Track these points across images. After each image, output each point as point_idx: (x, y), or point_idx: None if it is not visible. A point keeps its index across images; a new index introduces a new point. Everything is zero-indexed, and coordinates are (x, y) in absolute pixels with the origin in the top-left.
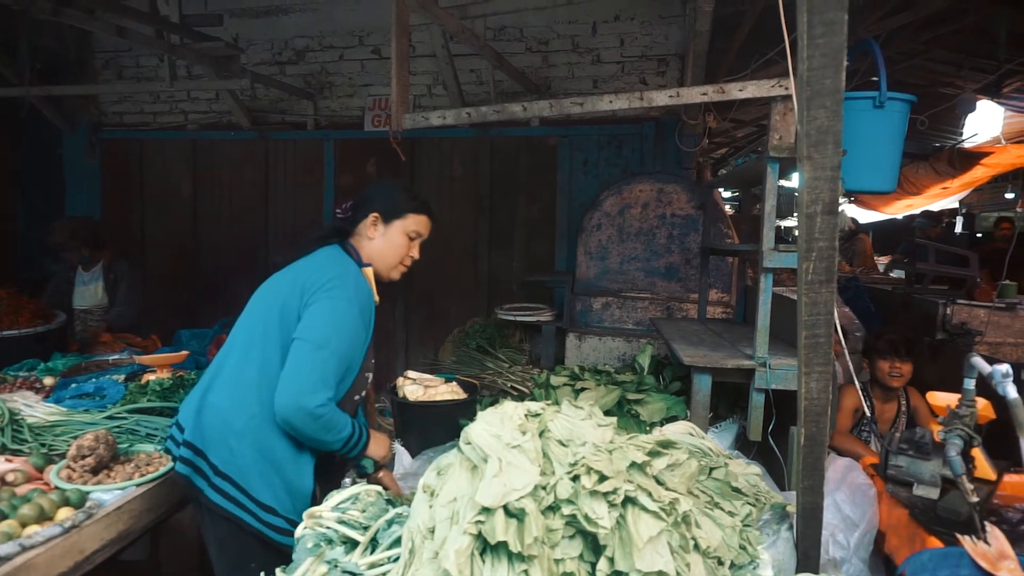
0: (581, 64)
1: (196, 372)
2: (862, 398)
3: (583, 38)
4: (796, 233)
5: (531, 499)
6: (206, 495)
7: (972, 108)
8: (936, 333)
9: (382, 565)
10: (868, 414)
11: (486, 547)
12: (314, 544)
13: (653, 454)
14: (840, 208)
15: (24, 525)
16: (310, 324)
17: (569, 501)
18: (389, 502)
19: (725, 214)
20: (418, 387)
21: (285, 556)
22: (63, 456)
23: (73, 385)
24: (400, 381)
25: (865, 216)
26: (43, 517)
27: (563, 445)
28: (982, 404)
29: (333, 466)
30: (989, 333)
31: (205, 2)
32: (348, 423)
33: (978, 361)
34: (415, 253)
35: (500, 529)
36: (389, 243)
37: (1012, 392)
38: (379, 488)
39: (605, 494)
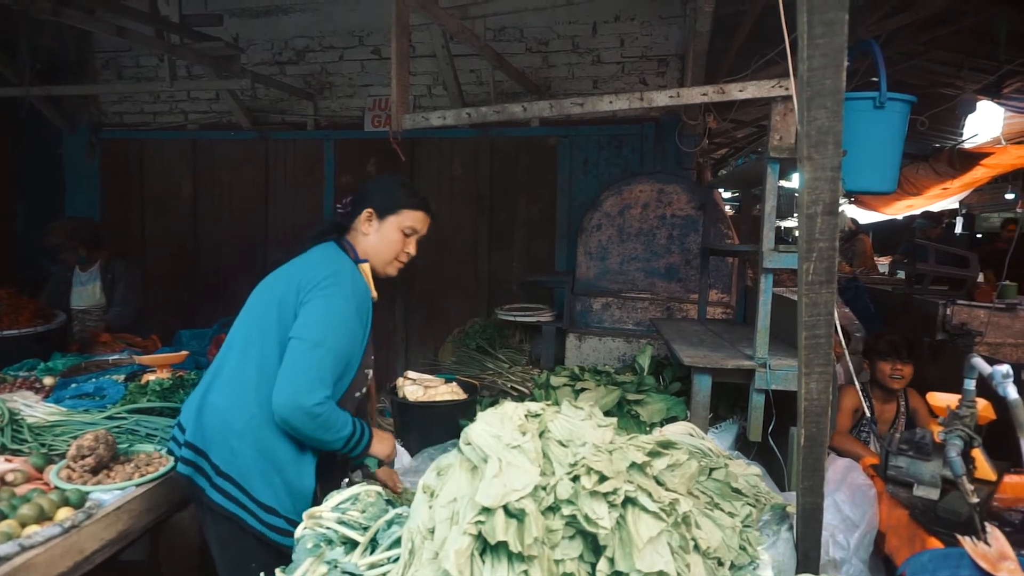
0: (581, 64)
1: (196, 372)
2: (862, 399)
3: (583, 38)
4: (796, 234)
5: (531, 499)
6: (207, 495)
7: (972, 109)
8: (936, 334)
9: (382, 565)
10: (868, 415)
11: (486, 547)
12: (314, 544)
13: (653, 455)
14: (840, 209)
15: (24, 525)
16: (306, 322)
17: (569, 501)
18: (389, 502)
19: (725, 214)
20: (418, 387)
21: (285, 557)
22: (63, 456)
23: (73, 385)
24: (400, 381)
25: (865, 217)
26: (43, 517)
27: (563, 445)
28: (982, 405)
29: (333, 466)
30: (989, 334)
31: (205, 2)
32: (348, 422)
33: (978, 362)
34: (411, 249)
35: (500, 529)
36: (383, 239)
37: (1012, 393)
38: (379, 488)
39: (605, 494)
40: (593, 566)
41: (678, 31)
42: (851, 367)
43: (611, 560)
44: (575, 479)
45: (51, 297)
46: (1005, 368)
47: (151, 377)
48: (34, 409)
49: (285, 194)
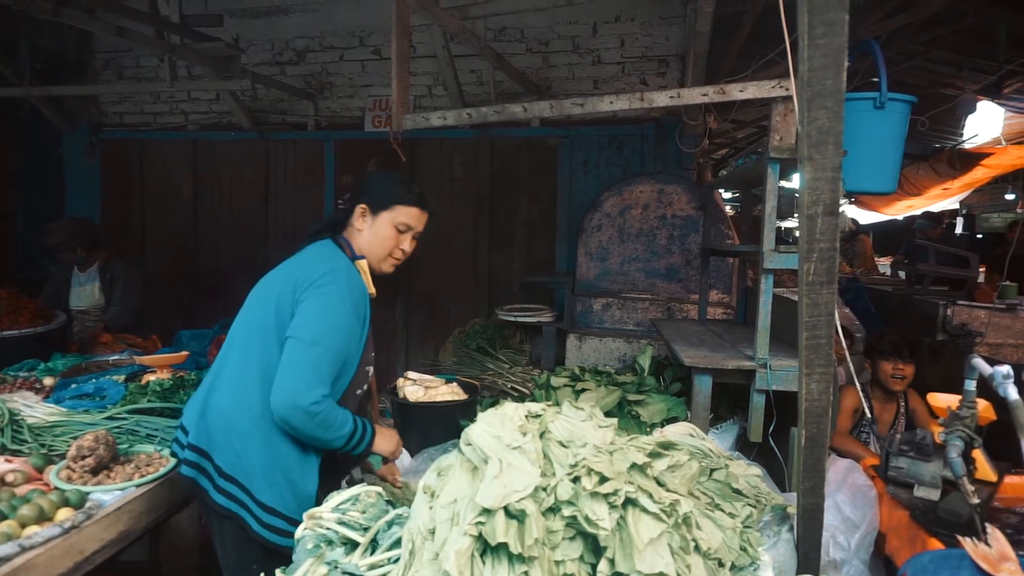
0: (582, 65)
1: (196, 373)
2: (863, 399)
3: (584, 39)
4: (797, 234)
5: (532, 500)
6: (210, 497)
7: (972, 109)
8: (936, 334)
9: (382, 566)
10: (869, 415)
11: (486, 548)
12: (314, 545)
13: (654, 455)
14: (841, 209)
15: (24, 526)
16: (302, 322)
17: (570, 502)
18: (390, 503)
19: (726, 215)
20: (418, 388)
21: (286, 559)
22: (63, 457)
23: (73, 385)
24: (401, 382)
25: (866, 217)
26: (43, 518)
27: (564, 446)
28: (983, 405)
29: (333, 466)
30: (990, 334)
31: (205, 2)
32: (349, 419)
33: (979, 362)
34: (406, 246)
35: (500, 530)
36: (376, 235)
37: (1013, 393)
38: (379, 489)
39: (606, 495)
40: (594, 567)
41: (678, 31)
42: (852, 368)
43: (612, 561)
44: (576, 480)
45: (50, 298)
46: (1006, 369)
47: (151, 377)
48: (34, 409)
49: (285, 195)
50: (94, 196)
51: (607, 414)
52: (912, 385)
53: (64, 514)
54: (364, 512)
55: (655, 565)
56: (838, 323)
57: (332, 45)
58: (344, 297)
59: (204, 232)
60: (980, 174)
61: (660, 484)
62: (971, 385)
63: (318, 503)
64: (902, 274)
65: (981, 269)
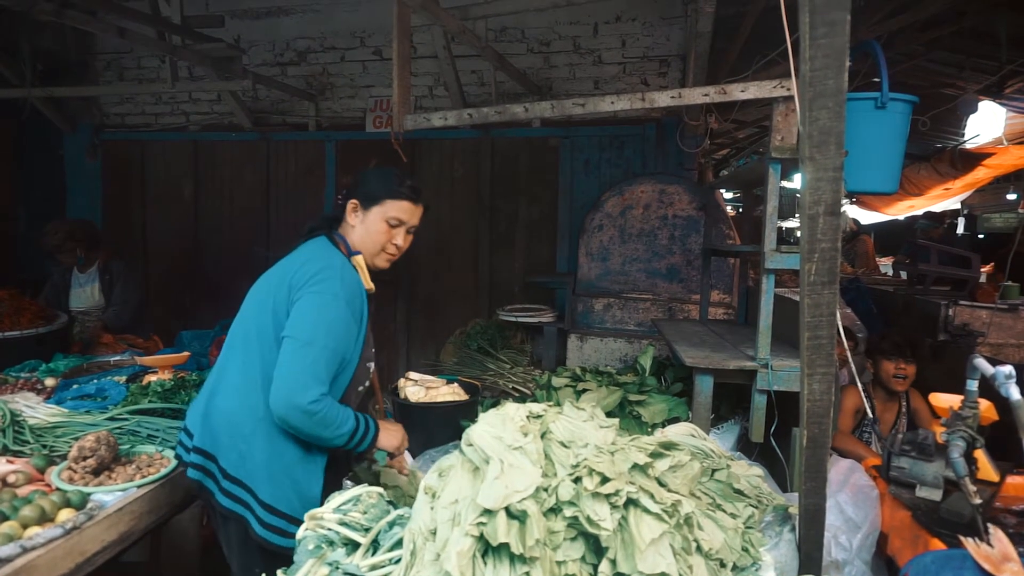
0: (582, 65)
1: (198, 373)
2: (864, 399)
3: (584, 39)
4: (798, 234)
5: (533, 501)
6: (216, 499)
7: (974, 109)
8: (938, 334)
9: (383, 567)
10: (871, 415)
11: (488, 549)
12: (315, 546)
13: (655, 456)
14: (842, 209)
15: (25, 526)
16: (297, 321)
17: (571, 503)
18: (391, 503)
19: (727, 215)
20: (419, 388)
21: (288, 561)
22: (64, 457)
23: (74, 386)
24: (401, 382)
25: (867, 217)
26: (44, 518)
27: (565, 447)
28: (985, 405)
29: (334, 465)
30: (991, 334)
31: (206, 3)
32: (350, 417)
33: (981, 362)
34: (399, 240)
35: (502, 531)
36: (368, 230)
37: (1015, 393)
38: (380, 490)
39: (607, 496)
40: (595, 568)
41: (679, 31)
42: (854, 368)
43: (613, 562)
44: (577, 480)
45: (50, 299)
46: (1008, 369)
47: (153, 378)
48: (36, 410)
49: (286, 195)
50: (95, 197)
51: (608, 414)
52: (914, 385)
53: (65, 515)
54: (365, 513)
55: (657, 565)
56: (839, 323)
57: (333, 46)
58: (338, 294)
59: (205, 233)
60: (982, 174)
61: (662, 484)
62: (973, 385)
63: (323, 503)
64: (903, 274)
65: (987, 268)
